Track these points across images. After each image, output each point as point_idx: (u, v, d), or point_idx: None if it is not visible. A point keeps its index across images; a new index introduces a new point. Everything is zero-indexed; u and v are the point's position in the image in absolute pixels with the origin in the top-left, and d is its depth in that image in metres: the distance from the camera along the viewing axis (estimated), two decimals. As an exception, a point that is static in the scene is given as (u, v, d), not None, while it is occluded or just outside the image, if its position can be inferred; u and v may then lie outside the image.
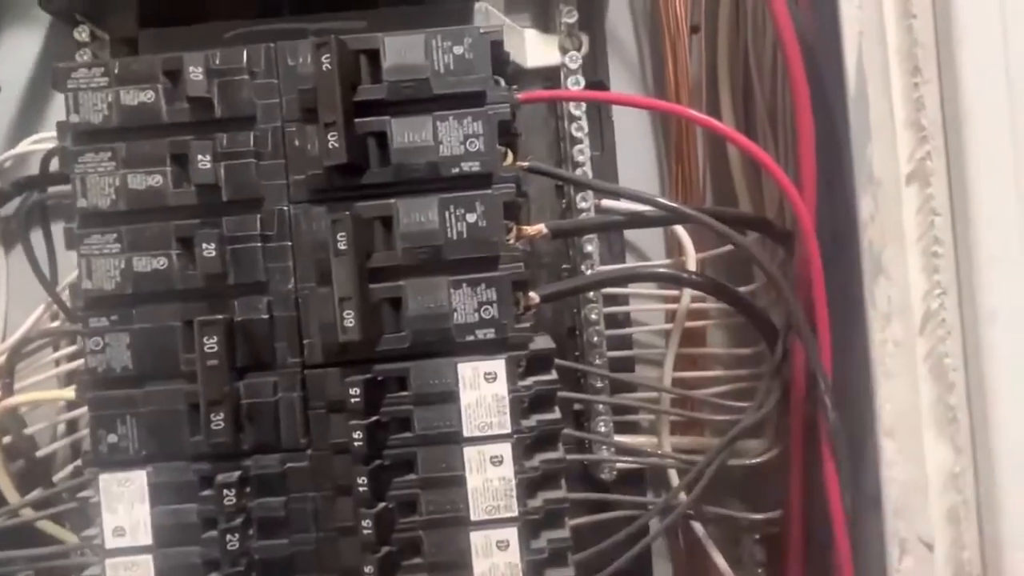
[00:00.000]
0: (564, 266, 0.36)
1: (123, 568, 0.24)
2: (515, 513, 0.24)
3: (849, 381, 0.26)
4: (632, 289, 0.35)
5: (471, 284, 0.24)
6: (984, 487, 0.23)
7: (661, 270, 0.32)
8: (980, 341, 0.23)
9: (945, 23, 0.23)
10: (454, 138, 0.24)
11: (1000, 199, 0.23)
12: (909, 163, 0.24)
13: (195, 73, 0.23)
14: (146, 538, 0.24)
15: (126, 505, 0.24)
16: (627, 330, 0.36)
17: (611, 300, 0.35)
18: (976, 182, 0.23)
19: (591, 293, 0.35)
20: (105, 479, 0.24)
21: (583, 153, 0.35)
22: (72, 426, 0.34)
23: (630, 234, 0.36)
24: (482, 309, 0.24)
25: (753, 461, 0.30)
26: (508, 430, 0.24)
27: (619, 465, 0.34)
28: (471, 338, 0.24)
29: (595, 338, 0.35)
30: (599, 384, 0.35)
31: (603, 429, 0.34)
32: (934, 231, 0.24)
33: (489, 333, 0.24)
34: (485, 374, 0.24)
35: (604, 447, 0.34)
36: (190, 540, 0.24)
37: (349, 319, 0.23)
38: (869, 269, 0.24)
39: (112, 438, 0.24)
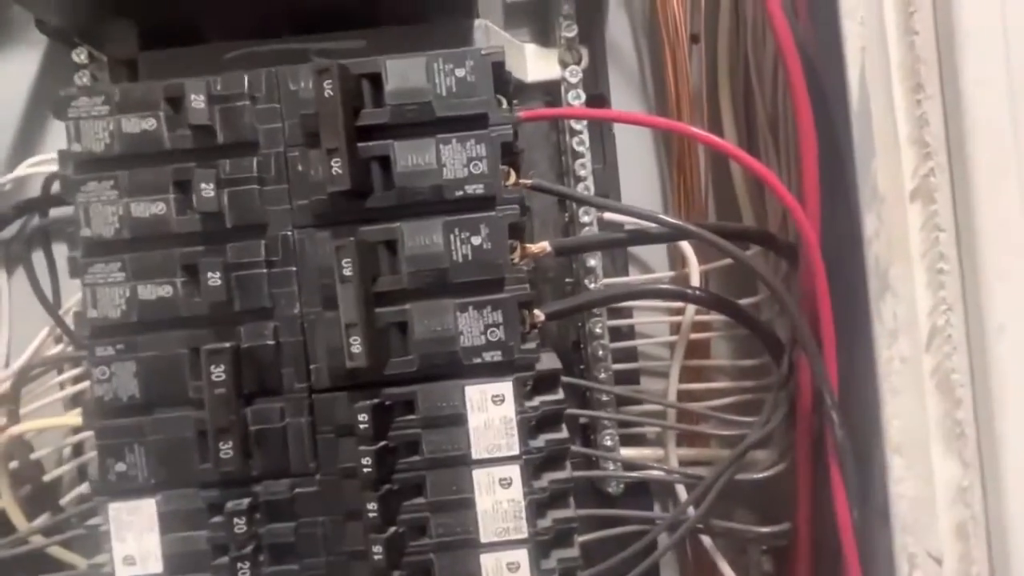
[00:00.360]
0: (568, 280, 0.36)
1: (135, 599, 0.24)
2: (525, 535, 0.24)
3: (856, 396, 0.26)
4: (636, 302, 0.35)
5: (477, 307, 0.24)
6: (992, 501, 0.24)
7: (664, 286, 0.32)
8: (987, 356, 0.23)
9: (947, 39, 0.23)
10: (458, 161, 0.24)
11: (1005, 214, 0.23)
12: (913, 179, 0.24)
13: (197, 101, 0.23)
14: (157, 566, 0.24)
15: (136, 534, 0.24)
16: (632, 343, 0.36)
17: (615, 313, 0.35)
18: (980, 198, 0.23)
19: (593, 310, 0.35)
20: (114, 508, 0.24)
21: (585, 167, 0.35)
22: (78, 449, 0.34)
23: (634, 247, 0.36)
24: (489, 332, 0.24)
25: (761, 475, 0.30)
26: (516, 452, 0.24)
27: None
28: (478, 361, 0.24)
29: (600, 351, 0.35)
30: (604, 398, 0.35)
31: (609, 443, 0.34)
32: (939, 247, 0.24)
33: (496, 355, 0.24)
34: (493, 396, 0.24)
35: (610, 461, 0.34)
36: (201, 568, 0.24)
37: (356, 345, 0.23)
38: (875, 286, 0.24)
39: (120, 467, 0.24)
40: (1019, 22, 0.23)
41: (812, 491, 0.28)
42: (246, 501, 0.24)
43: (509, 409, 0.24)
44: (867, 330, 0.25)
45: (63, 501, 0.34)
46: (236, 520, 0.23)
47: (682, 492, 0.33)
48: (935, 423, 0.24)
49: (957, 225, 0.24)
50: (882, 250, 0.24)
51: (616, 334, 0.35)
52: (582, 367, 0.35)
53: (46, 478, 0.33)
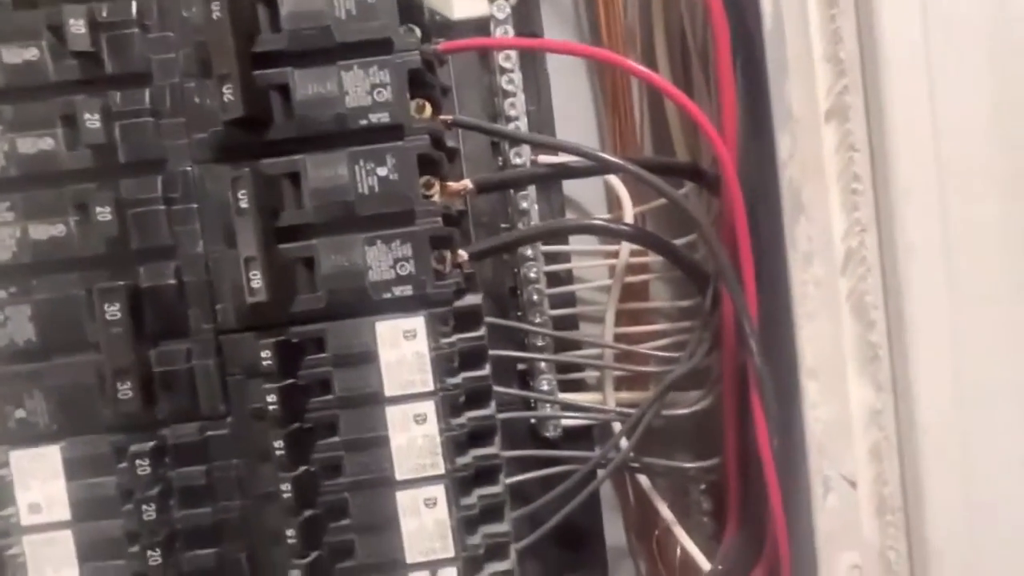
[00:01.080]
0: (503, 226, 0.35)
1: (42, 544, 0.23)
2: (442, 471, 0.24)
3: (776, 325, 0.25)
4: (573, 246, 0.35)
5: (385, 240, 0.24)
6: (904, 423, 0.24)
7: (587, 222, 0.32)
8: (898, 277, 0.23)
9: (860, -49, 0.22)
10: (360, 88, 0.23)
11: (917, 131, 0.22)
12: (827, 99, 0.23)
13: (76, 26, 0.22)
14: (64, 513, 0.23)
15: (40, 481, 0.23)
16: (569, 288, 0.35)
17: (552, 259, 0.35)
18: (892, 115, 0.22)
19: (530, 252, 0.34)
20: (16, 456, 0.23)
21: (516, 107, 0.34)
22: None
23: (569, 190, 0.36)
24: (398, 265, 0.24)
25: (687, 410, 0.30)
26: (431, 388, 0.24)
27: (565, 423, 0.34)
28: (388, 296, 0.24)
29: (535, 296, 0.34)
30: (541, 343, 0.34)
31: (546, 388, 0.34)
32: (853, 167, 0.23)
33: (407, 290, 0.24)
34: (404, 332, 0.24)
35: (548, 405, 0.33)
36: (110, 514, 0.23)
37: (256, 280, 0.22)
38: (789, 209, 0.24)
39: (20, 413, 0.23)
40: (931, -69, 0.22)
41: (738, 423, 0.28)
42: (150, 444, 0.23)
43: (422, 345, 0.24)
44: (784, 257, 0.24)
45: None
46: (139, 462, 0.23)
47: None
48: (850, 347, 0.24)
49: (871, 145, 0.23)
50: (796, 172, 0.23)
51: (554, 280, 0.35)
52: (519, 314, 0.35)
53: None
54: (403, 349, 0.24)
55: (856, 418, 0.24)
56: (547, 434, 0.35)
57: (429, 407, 0.24)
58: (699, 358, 0.28)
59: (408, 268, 0.24)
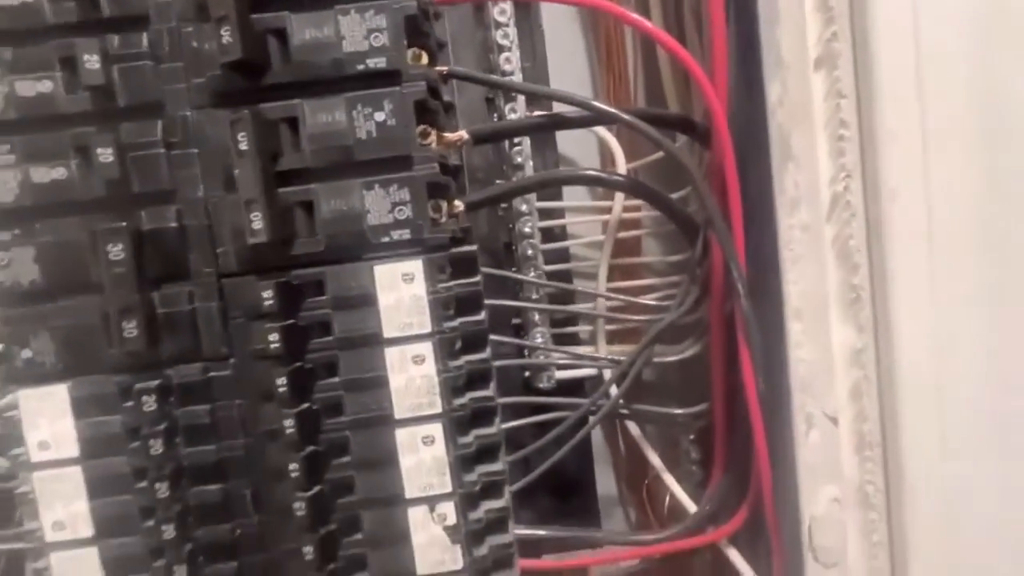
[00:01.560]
0: (497, 181, 0.35)
1: (51, 481, 0.24)
2: (439, 410, 0.25)
3: (764, 269, 0.26)
4: (567, 203, 0.35)
5: (383, 185, 0.24)
6: (884, 363, 0.25)
7: (579, 172, 0.32)
8: (881, 220, 0.24)
9: None
10: (357, 33, 0.24)
11: (901, 77, 0.23)
12: (817, 46, 0.24)
13: (72, -33, 0.22)
14: (72, 450, 0.24)
15: (49, 420, 0.24)
16: (562, 243, 0.36)
17: (546, 215, 0.35)
18: (878, 61, 0.23)
19: (524, 207, 0.35)
20: (25, 395, 0.24)
21: (511, 62, 0.34)
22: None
23: (564, 146, 0.36)
24: (396, 210, 0.24)
25: (676, 357, 0.31)
26: (428, 329, 0.25)
27: (558, 375, 0.35)
28: (386, 239, 0.24)
29: (529, 251, 0.35)
30: (535, 296, 0.35)
31: (540, 340, 0.35)
32: (840, 114, 0.24)
33: (404, 234, 0.24)
34: (403, 275, 0.24)
35: (541, 355, 0.34)
36: (117, 451, 0.24)
37: (257, 221, 0.22)
38: (778, 155, 0.24)
39: (27, 353, 0.24)
40: None
41: (725, 368, 0.29)
42: (155, 383, 0.24)
43: (420, 288, 0.25)
44: (772, 203, 0.25)
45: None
46: (145, 399, 0.23)
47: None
48: (833, 289, 0.25)
49: (858, 91, 0.24)
50: (785, 118, 0.24)
51: (548, 236, 0.36)
52: (514, 269, 0.35)
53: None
54: (401, 292, 0.25)
55: (838, 358, 0.25)
56: (540, 385, 0.35)
57: (427, 348, 0.25)
58: (688, 306, 0.28)
59: (406, 212, 0.24)
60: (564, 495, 0.36)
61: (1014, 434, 0.24)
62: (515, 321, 0.36)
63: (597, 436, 0.38)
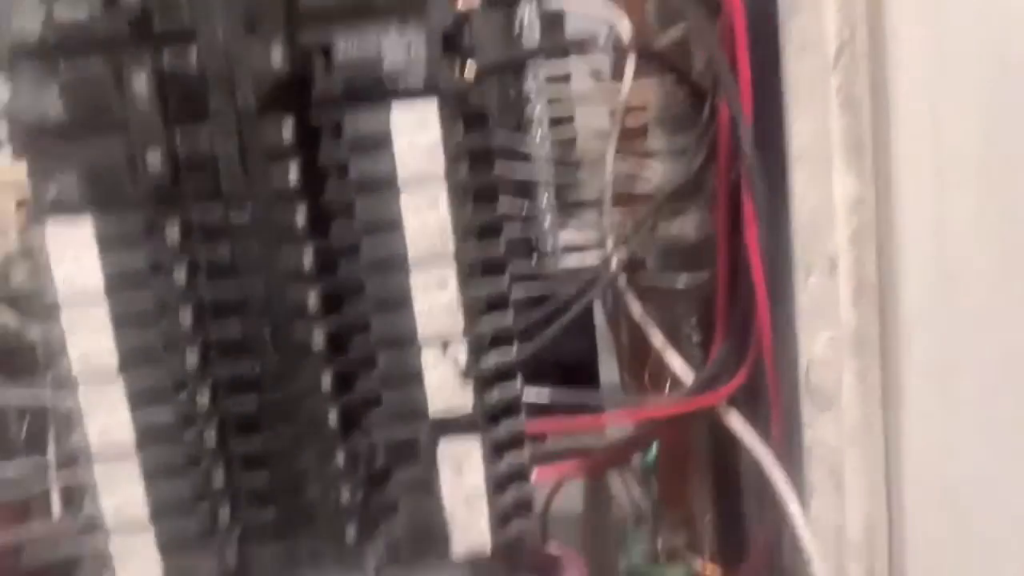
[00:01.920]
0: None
1: (78, 316, 0.25)
2: (452, 250, 0.26)
3: (769, 122, 0.27)
4: (575, 86, 0.36)
5: (399, 31, 0.25)
6: (882, 211, 0.25)
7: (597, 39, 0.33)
8: (886, 70, 0.24)
9: None
10: None
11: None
12: None
13: None
14: (98, 283, 0.25)
15: (74, 252, 0.25)
16: (570, 135, 0.36)
17: (555, 108, 0.36)
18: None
19: (532, 95, 0.35)
20: (52, 225, 0.25)
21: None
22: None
23: (572, 32, 0.36)
24: (412, 54, 0.25)
25: (680, 232, 0.32)
26: (442, 174, 0.25)
27: (563, 264, 0.36)
28: (404, 86, 0.25)
29: (538, 139, 0.35)
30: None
31: (546, 226, 0.36)
32: (848, -40, 0.24)
33: (419, 81, 0.25)
34: (418, 119, 0.25)
35: (548, 234, 0.35)
36: (141, 285, 0.25)
37: (276, 53, 0.23)
38: (786, 3, 0.25)
39: (53, 189, 0.25)
40: None
41: (729, 233, 0.29)
42: (177, 220, 0.25)
43: (435, 134, 0.25)
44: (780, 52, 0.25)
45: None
46: (169, 233, 0.24)
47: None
48: (837, 137, 0.25)
49: (867, -63, 0.24)
50: (794, -36, 0.24)
51: (555, 124, 0.36)
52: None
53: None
54: (417, 136, 0.25)
55: (839, 205, 0.25)
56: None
57: (441, 193, 0.25)
58: (695, 167, 0.29)
59: (421, 57, 0.25)
60: (567, 383, 0.37)
61: (1015, 281, 0.25)
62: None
63: (600, 323, 0.39)
